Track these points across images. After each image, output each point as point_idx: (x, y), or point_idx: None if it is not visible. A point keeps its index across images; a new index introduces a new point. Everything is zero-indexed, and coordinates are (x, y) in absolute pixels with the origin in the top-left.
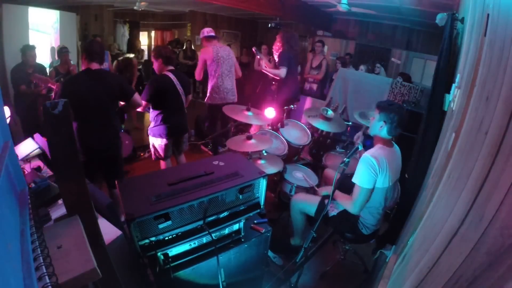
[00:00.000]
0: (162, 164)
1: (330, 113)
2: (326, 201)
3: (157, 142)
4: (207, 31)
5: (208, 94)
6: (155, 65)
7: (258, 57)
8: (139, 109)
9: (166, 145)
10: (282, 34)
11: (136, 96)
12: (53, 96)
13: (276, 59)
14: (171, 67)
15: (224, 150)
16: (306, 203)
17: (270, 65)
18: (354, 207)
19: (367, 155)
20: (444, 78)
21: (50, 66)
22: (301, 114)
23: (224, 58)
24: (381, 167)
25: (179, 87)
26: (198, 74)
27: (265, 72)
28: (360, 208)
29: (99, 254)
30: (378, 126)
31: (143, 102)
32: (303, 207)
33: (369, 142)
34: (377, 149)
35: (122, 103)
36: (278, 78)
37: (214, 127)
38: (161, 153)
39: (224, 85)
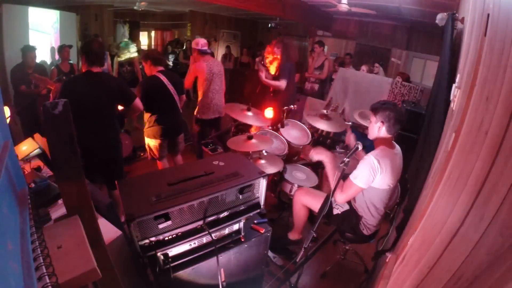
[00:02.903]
0: (159, 164)
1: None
2: (331, 199)
3: (151, 142)
4: (202, 44)
5: (198, 109)
6: (146, 68)
7: (259, 69)
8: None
9: (160, 145)
10: (282, 47)
11: (137, 100)
12: (51, 97)
13: (269, 65)
14: (161, 68)
15: (222, 151)
16: (310, 198)
17: (270, 77)
18: (342, 199)
19: (371, 156)
20: (445, 78)
21: (50, 66)
22: (301, 114)
23: (216, 74)
24: (383, 169)
25: (170, 87)
26: (188, 84)
27: (266, 83)
28: (346, 200)
29: (99, 254)
30: (376, 128)
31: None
32: (307, 201)
33: (368, 142)
34: (380, 151)
35: (121, 107)
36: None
37: (202, 140)
38: (156, 153)
39: (214, 101)
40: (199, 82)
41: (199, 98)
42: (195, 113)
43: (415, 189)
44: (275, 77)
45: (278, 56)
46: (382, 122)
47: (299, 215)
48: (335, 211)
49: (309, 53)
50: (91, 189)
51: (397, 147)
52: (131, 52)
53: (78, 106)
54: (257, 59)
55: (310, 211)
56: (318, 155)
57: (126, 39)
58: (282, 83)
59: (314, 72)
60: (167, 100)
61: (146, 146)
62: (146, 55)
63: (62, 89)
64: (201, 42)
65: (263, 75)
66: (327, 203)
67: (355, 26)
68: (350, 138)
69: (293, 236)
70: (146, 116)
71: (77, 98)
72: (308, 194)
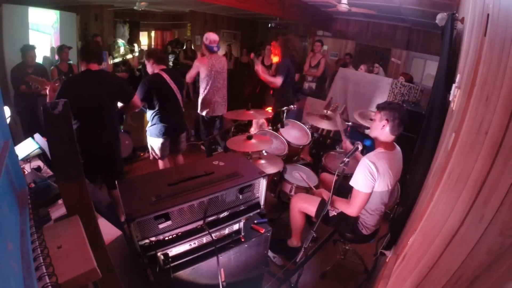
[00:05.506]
0: (160, 164)
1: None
2: (326, 201)
3: (154, 141)
4: (210, 40)
5: (199, 106)
6: (148, 67)
7: (255, 63)
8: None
9: (162, 144)
10: (283, 43)
11: (136, 97)
12: (49, 96)
13: (271, 61)
14: (163, 66)
15: (219, 152)
16: (306, 203)
17: (266, 72)
18: (352, 211)
19: (366, 160)
20: (445, 78)
21: (44, 61)
22: (301, 114)
23: (218, 72)
24: (380, 172)
25: (173, 85)
26: (190, 78)
27: (263, 78)
28: (358, 211)
29: (99, 254)
30: (380, 126)
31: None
32: (303, 207)
33: (368, 142)
34: (376, 153)
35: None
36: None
37: (199, 138)
38: (158, 153)
39: (215, 99)
40: (200, 78)
41: (200, 95)
42: (198, 111)
43: (415, 189)
44: (273, 74)
45: (277, 52)
46: (387, 120)
47: (296, 221)
48: (331, 213)
49: (309, 53)
50: (91, 189)
51: (397, 148)
52: (122, 54)
53: (78, 104)
54: (251, 55)
55: (307, 216)
56: (321, 193)
57: (119, 40)
58: (278, 80)
59: (310, 70)
60: (170, 98)
61: (149, 146)
62: (149, 54)
63: (61, 88)
64: (210, 38)
65: (259, 69)
66: (324, 207)
67: (355, 26)
68: (347, 144)
69: (291, 243)
70: (149, 114)
71: (76, 97)
72: (304, 200)
